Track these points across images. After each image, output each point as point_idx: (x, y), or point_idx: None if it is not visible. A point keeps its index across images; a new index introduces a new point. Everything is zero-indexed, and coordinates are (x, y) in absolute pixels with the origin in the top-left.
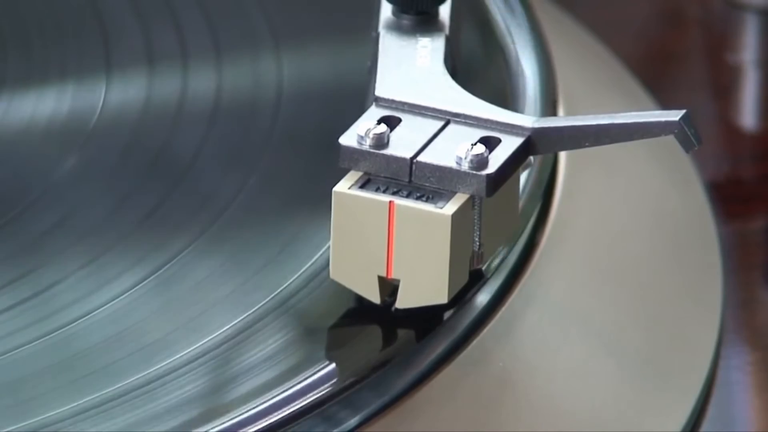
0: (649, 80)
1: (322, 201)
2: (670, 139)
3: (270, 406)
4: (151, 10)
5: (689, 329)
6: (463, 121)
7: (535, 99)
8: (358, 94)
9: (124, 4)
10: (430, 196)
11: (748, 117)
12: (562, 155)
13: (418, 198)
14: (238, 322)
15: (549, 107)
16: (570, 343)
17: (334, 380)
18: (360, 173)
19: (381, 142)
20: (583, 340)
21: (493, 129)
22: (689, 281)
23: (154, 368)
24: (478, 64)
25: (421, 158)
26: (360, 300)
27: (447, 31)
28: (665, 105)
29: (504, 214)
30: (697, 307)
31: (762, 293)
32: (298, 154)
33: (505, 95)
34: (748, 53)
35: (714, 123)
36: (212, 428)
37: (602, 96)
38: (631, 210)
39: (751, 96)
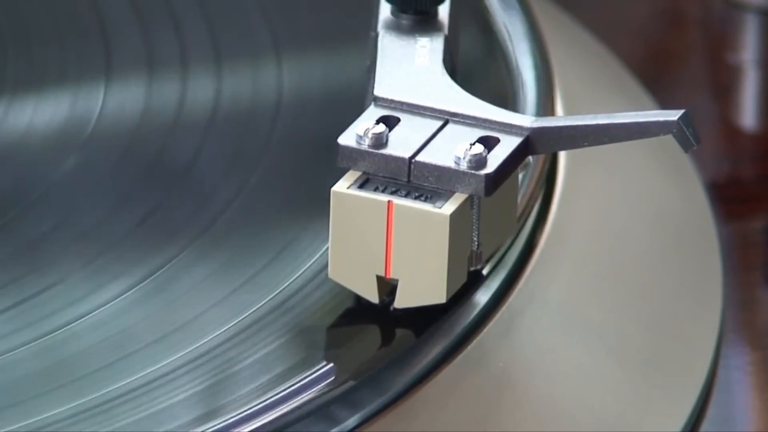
0: (649, 80)
1: (322, 202)
2: (670, 139)
3: (269, 406)
4: (151, 15)
5: (689, 329)
6: (462, 120)
7: (534, 99)
8: (358, 95)
9: (124, 9)
10: (429, 195)
11: (748, 117)
12: (562, 155)
13: (416, 198)
14: (238, 322)
15: (548, 107)
16: (570, 343)
17: (334, 380)
18: (359, 173)
19: (380, 141)
20: (583, 340)
21: (491, 129)
22: (689, 281)
23: (153, 368)
24: (477, 64)
25: (419, 158)
26: (358, 300)
27: (446, 31)
28: (665, 105)
29: (502, 214)
30: (697, 307)
31: (762, 293)
32: (298, 156)
33: (504, 95)
34: (748, 53)
35: (714, 123)
36: (211, 428)
37: (602, 96)
38: (631, 210)
39: (751, 96)
